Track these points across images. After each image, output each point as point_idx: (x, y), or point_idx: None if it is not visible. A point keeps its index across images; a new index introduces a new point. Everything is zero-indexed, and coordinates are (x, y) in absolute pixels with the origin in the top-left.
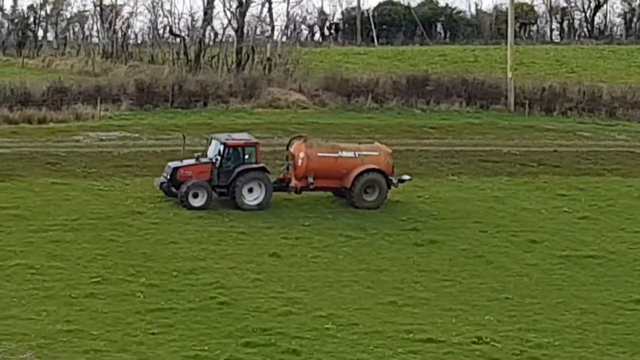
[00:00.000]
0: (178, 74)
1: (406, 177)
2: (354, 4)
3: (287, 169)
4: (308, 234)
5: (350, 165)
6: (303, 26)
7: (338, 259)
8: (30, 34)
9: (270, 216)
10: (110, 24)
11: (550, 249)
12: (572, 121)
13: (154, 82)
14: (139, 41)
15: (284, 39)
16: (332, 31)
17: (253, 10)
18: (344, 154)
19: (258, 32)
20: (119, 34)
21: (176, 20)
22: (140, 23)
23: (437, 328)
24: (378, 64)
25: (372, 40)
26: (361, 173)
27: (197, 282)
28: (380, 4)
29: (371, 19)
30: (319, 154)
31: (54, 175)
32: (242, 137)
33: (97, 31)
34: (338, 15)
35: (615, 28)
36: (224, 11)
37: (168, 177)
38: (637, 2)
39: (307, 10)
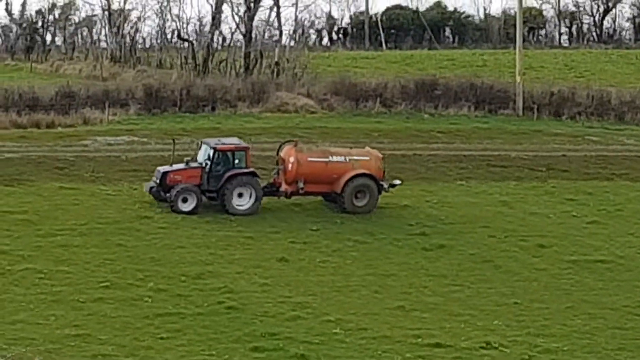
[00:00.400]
0: (186, 78)
1: (397, 182)
2: (362, 8)
3: (278, 173)
4: (316, 239)
5: (340, 170)
6: (311, 30)
7: (346, 264)
8: (38, 38)
9: (278, 221)
10: (118, 28)
11: (558, 254)
12: (581, 126)
13: (162, 86)
14: (147, 46)
15: (292, 44)
16: (340, 35)
17: (261, 14)
18: (335, 158)
19: (266, 36)
20: (127, 39)
21: (184, 25)
22: (148, 27)
23: (446, 333)
24: (386, 69)
25: (381, 45)
26: (352, 178)
27: (205, 286)
28: (388, 8)
29: (379, 24)
30: (309, 159)
31: (62, 179)
32: (232, 141)
33: (105, 36)
34: (346, 20)
35: (624, 32)
36: (232, 16)
37: (157, 181)
38: None
39: (315, 15)
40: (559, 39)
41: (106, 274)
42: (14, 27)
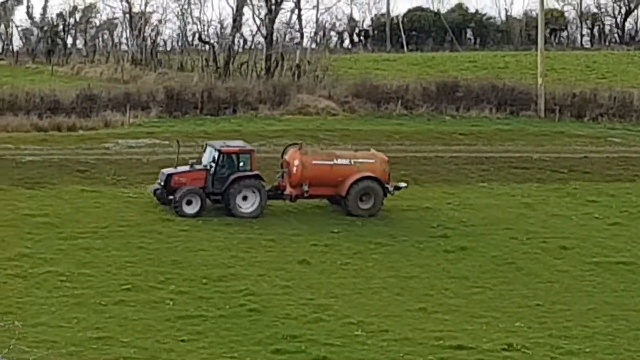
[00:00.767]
0: (207, 80)
1: (402, 184)
2: (384, 10)
3: (282, 176)
4: (337, 241)
5: (345, 172)
6: (332, 33)
7: (367, 266)
8: (59, 41)
9: (300, 223)
10: (139, 31)
11: (580, 256)
12: (603, 127)
13: (183, 89)
14: (168, 48)
15: (313, 46)
16: (362, 38)
17: (282, 17)
18: (339, 161)
19: (287, 38)
20: (148, 41)
21: (205, 27)
22: (169, 30)
23: (468, 335)
24: (408, 71)
25: (402, 47)
26: (356, 181)
27: (227, 289)
28: (409, 10)
29: (401, 25)
30: (314, 162)
31: (84, 182)
32: (237, 144)
33: (127, 38)
34: (367, 22)
35: None
36: (253, 18)
37: (162, 183)
38: None
39: (336, 17)
40: (581, 40)
41: (128, 277)
42: (35, 30)
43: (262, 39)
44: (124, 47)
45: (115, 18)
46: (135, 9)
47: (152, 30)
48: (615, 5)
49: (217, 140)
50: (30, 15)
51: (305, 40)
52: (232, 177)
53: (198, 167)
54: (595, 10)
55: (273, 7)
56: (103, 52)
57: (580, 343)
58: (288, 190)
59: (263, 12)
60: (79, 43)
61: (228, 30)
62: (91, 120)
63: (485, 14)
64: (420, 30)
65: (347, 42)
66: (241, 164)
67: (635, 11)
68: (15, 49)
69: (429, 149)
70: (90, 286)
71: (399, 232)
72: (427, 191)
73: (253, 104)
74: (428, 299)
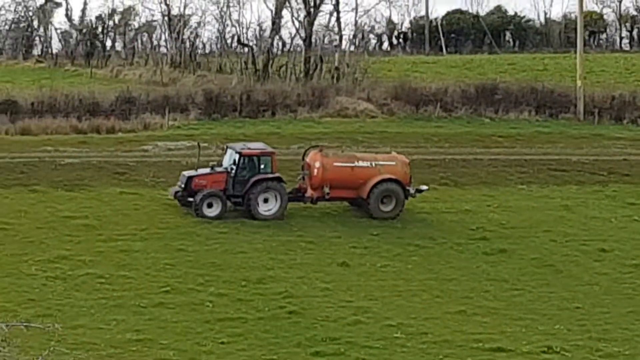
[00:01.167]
0: (246, 83)
1: (424, 187)
2: (423, 12)
3: (303, 179)
4: (377, 243)
5: (366, 175)
6: (371, 35)
7: (407, 268)
8: (98, 44)
9: (339, 225)
10: (178, 33)
11: (620, 258)
12: None
13: (222, 91)
14: (207, 51)
15: (352, 48)
16: (401, 40)
17: (321, 19)
18: (361, 163)
19: (326, 41)
20: (187, 44)
21: (244, 30)
22: (208, 33)
23: (507, 337)
24: (446, 73)
25: (441, 49)
26: (378, 183)
27: (266, 291)
28: (448, 13)
29: (439, 28)
30: (335, 164)
31: (123, 185)
32: (258, 146)
33: (165, 41)
34: (406, 24)
35: None
36: (292, 21)
37: (182, 186)
38: None
39: (375, 20)
40: (620, 42)
41: (167, 279)
42: (74, 33)
43: (301, 42)
44: (162, 49)
45: (154, 20)
46: (174, 12)
47: (191, 32)
48: None
49: (237, 143)
50: (69, 18)
51: (344, 42)
52: (253, 179)
53: (219, 169)
54: (635, 12)
55: (312, 9)
56: (142, 54)
57: (620, 346)
58: (309, 192)
59: (302, 14)
60: (118, 46)
61: (267, 33)
62: (130, 123)
63: (524, 17)
64: (459, 32)
65: (385, 45)
66: (262, 166)
67: None
68: (54, 51)
69: (468, 152)
70: (129, 288)
71: (439, 235)
72: (467, 193)
73: (292, 107)
74: (467, 302)
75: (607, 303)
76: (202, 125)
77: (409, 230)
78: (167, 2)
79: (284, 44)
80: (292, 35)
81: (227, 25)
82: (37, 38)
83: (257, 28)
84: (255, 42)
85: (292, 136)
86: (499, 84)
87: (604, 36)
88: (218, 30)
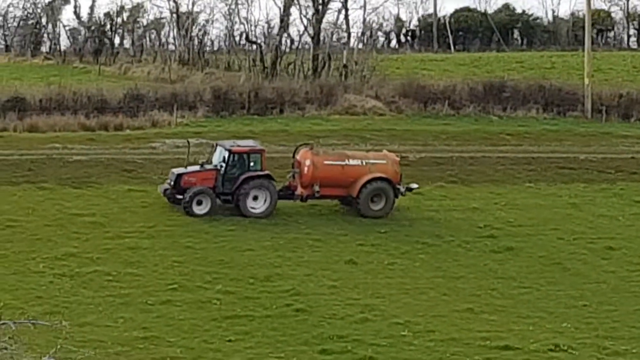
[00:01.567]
0: (254, 80)
1: (414, 185)
2: (431, 10)
3: (293, 176)
4: (384, 241)
5: (357, 173)
6: (379, 33)
7: (414, 266)
8: (107, 41)
9: (346, 223)
10: (186, 31)
11: (627, 256)
12: None
13: (230, 89)
14: (215, 48)
15: (360, 46)
16: (409, 38)
17: (329, 17)
18: (351, 162)
19: (334, 38)
20: (195, 41)
21: (252, 27)
22: (216, 30)
23: (514, 335)
24: (455, 71)
25: (449, 47)
26: (368, 181)
27: (274, 289)
28: (456, 11)
29: (448, 26)
30: (326, 162)
31: (131, 182)
32: (248, 143)
33: (174, 38)
34: (414, 22)
35: None
36: (300, 18)
37: (172, 183)
38: None
39: (383, 17)
40: (628, 40)
41: (174, 277)
42: (83, 30)
43: (309, 39)
44: (171, 46)
45: (163, 18)
46: (183, 9)
47: (200, 30)
48: None
49: (227, 140)
50: (77, 15)
51: (352, 40)
52: (243, 177)
53: (208, 167)
54: None
55: (320, 7)
56: (150, 51)
57: (627, 344)
58: (299, 190)
59: (310, 12)
60: (126, 43)
61: (275, 30)
62: (138, 120)
63: (532, 14)
64: (467, 30)
65: (394, 42)
66: (252, 163)
67: None
68: (62, 48)
69: (476, 149)
70: (137, 286)
71: (446, 232)
72: (474, 191)
73: (300, 104)
74: (475, 300)
75: (615, 301)
76: (210, 122)
77: (417, 228)
78: (176, 0)
79: (292, 42)
80: (301, 32)
81: (236, 22)
82: (45, 35)
83: (266, 25)
84: (263, 39)
85: (300, 134)
86: (506, 82)
87: (611, 34)
88: (226, 27)
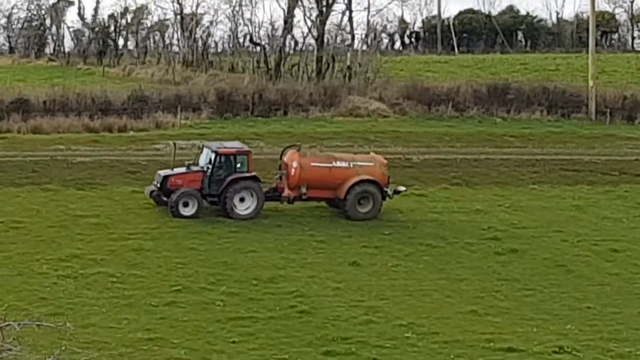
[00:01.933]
0: (258, 82)
1: (401, 188)
2: (435, 12)
3: (280, 178)
4: (388, 243)
5: (344, 175)
6: (383, 35)
7: (418, 268)
8: (111, 42)
9: (350, 225)
10: (190, 32)
11: (631, 258)
12: None
13: (234, 90)
14: (219, 50)
15: (364, 48)
16: (413, 40)
17: (333, 18)
18: (338, 164)
19: (338, 40)
20: (200, 43)
21: (256, 29)
22: (220, 32)
23: (518, 337)
24: (459, 73)
25: (453, 49)
26: (355, 184)
27: (277, 290)
28: (460, 13)
29: (452, 28)
30: (313, 164)
31: (134, 183)
32: (234, 145)
33: (178, 40)
34: (418, 24)
35: None
36: (305, 20)
37: (158, 185)
38: None
39: (387, 19)
40: (632, 42)
41: (178, 278)
42: (87, 32)
43: (313, 41)
44: (175, 48)
45: (167, 19)
46: (187, 11)
47: (204, 31)
48: None
49: (213, 141)
50: (81, 17)
51: (356, 42)
52: (229, 178)
53: (195, 168)
54: None
55: (324, 8)
56: (154, 53)
57: (631, 346)
58: (286, 192)
59: (314, 13)
60: (130, 44)
61: (279, 32)
62: (142, 122)
63: (536, 16)
64: (471, 32)
65: (398, 44)
66: (238, 165)
67: None
68: (66, 50)
69: (480, 151)
70: (140, 287)
71: (450, 234)
72: (478, 193)
73: (304, 106)
74: (479, 302)
75: (619, 303)
76: (214, 124)
77: (420, 229)
78: (180, 1)
79: (296, 43)
80: (305, 34)
81: (240, 24)
82: (49, 36)
83: (270, 27)
84: (267, 41)
85: (304, 135)
86: (510, 84)
87: (615, 36)
88: (230, 29)
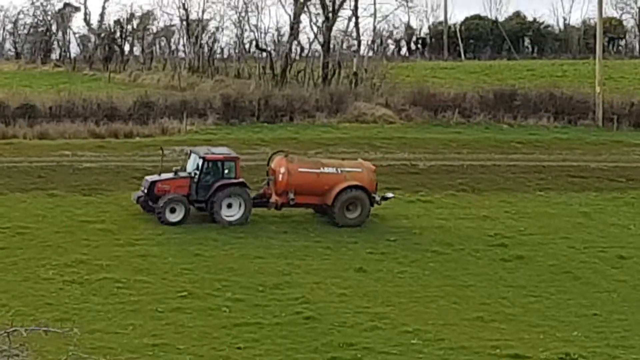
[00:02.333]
0: (264, 88)
1: (390, 194)
2: (441, 18)
3: (268, 184)
4: (394, 249)
5: (332, 181)
6: (390, 41)
7: (424, 274)
8: (116, 48)
9: (356, 231)
10: (196, 38)
11: (638, 265)
12: None
13: (240, 96)
14: (225, 56)
15: (370, 54)
16: (419, 46)
17: (339, 24)
18: (326, 170)
19: (344, 46)
20: (205, 49)
21: (262, 35)
22: (226, 37)
23: (524, 344)
24: (465, 79)
25: (459, 55)
26: (343, 190)
27: (283, 296)
28: (467, 19)
29: (458, 34)
30: (300, 170)
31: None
32: (222, 151)
33: (184, 46)
34: (425, 30)
35: None
36: (311, 26)
37: (145, 191)
38: None
39: (393, 25)
40: (639, 49)
41: (184, 284)
42: (93, 37)
43: (319, 47)
44: (181, 54)
45: (173, 25)
46: (193, 16)
47: (209, 37)
48: None
49: (201, 147)
50: (87, 22)
51: (362, 48)
52: (217, 184)
53: (182, 174)
54: None
55: (330, 14)
56: (160, 59)
57: (638, 353)
58: (273, 198)
59: (320, 19)
60: (136, 50)
61: (285, 38)
62: (148, 127)
63: (543, 22)
64: (477, 38)
65: (404, 50)
66: (226, 171)
67: None
68: (72, 55)
69: (486, 158)
70: (146, 293)
71: (456, 241)
72: (484, 200)
73: (310, 112)
74: (485, 308)
75: (625, 310)
76: (219, 130)
77: (426, 236)
78: (186, 7)
79: (302, 49)
80: (311, 40)
81: (246, 30)
82: (55, 42)
83: (276, 33)
84: (273, 47)
85: (311, 141)
86: (517, 90)
87: (623, 42)
88: (236, 35)
